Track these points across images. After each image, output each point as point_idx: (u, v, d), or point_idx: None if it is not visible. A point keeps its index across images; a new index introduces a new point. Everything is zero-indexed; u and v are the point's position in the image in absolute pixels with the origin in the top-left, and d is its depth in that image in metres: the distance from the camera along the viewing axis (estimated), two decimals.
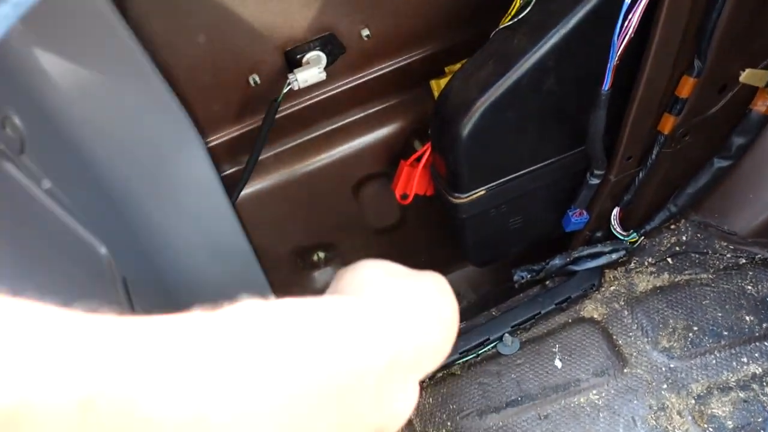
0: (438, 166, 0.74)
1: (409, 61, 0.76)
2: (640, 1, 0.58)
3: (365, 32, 0.72)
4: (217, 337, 0.24)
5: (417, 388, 0.36)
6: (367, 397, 0.28)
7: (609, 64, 0.62)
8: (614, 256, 0.83)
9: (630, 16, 0.58)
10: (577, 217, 0.81)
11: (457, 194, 0.74)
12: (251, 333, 0.25)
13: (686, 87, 0.69)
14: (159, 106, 0.65)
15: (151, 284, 0.73)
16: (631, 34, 0.59)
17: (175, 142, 0.68)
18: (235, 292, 0.78)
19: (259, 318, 0.26)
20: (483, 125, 0.66)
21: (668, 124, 0.72)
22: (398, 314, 0.33)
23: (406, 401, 0.33)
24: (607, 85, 0.64)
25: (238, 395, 0.23)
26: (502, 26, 0.66)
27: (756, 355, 0.75)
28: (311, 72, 0.69)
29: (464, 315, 0.90)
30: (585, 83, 0.67)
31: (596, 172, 0.75)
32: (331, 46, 0.71)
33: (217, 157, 0.74)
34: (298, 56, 0.70)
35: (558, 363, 0.79)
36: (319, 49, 0.70)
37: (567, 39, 0.63)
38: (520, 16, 0.64)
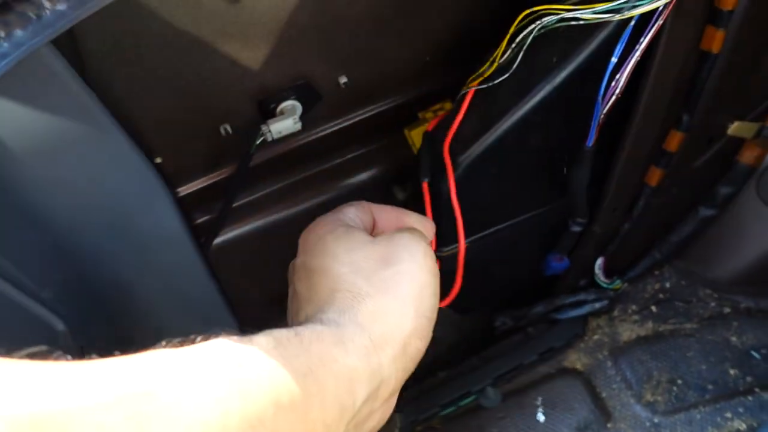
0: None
1: (386, 107, 0.73)
2: (629, 62, 0.55)
3: (343, 79, 0.68)
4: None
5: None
6: None
7: (593, 122, 0.60)
8: (597, 305, 0.81)
9: (617, 76, 0.56)
10: (557, 263, 0.79)
11: (440, 249, 0.71)
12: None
13: (674, 141, 0.67)
14: (121, 162, 0.61)
15: (117, 343, 0.69)
16: (618, 94, 0.57)
17: (141, 198, 0.64)
18: None
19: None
20: (465, 181, 0.64)
21: (655, 176, 0.70)
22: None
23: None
24: (591, 141, 0.61)
25: None
26: (476, 87, 0.62)
27: (740, 410, 0.73)
28: (285, 123, 0.65)
29: (445, 361, 0.87)
30: (571, 137, 0.65)
31: (578, 220, 0.73)
32: (307, 94, 0.68)
33: (189, 206, 0.71)
34: (272, 106, 0.66)
35: (541, 417, 0.77)
36: (294, 98, 0.67)
37: (553, 95, 0.60)
38: (501, 79, 0.61)
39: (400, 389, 0.38)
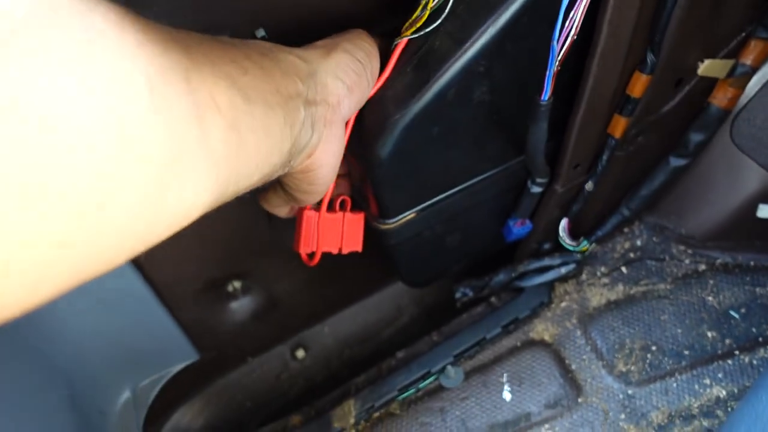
0: (361, 190, 0.63)
1: None
2: None
3: (260, 33, 0.59)
4: None
5: None
6: None
7: (548, 71, 0.52)
8: (564, 270, 0.74)
9: (572, 15, 0.48)
10: (518, 227, 0.72)
11: (383, 220, 0.63)
12: None
13: (638, 85, 0.59)
14: None
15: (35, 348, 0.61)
16: (573, 36, 0.49)
17: None
18: (132, 336, 0.64)
19: None
20: (404, 145, 0.55)
21: (619, 126, 0.63)
22: None
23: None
24: (546, 94, 0.54)
25: None
26: (409, 36, 0.54)
27: (719, 375, 0.68)
28: None
29: (403, 339, 0.81)
30: (523, 87, 0.57)
31: (538, 180, 0.66)
32: None
33: None
34: None
35: (507, 395, 0.71)
36: None
37: (498, 38, 0.52)
38: (436, 23, 0.53)
39: (345, 112, 0.48)
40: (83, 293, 0.63)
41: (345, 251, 0.65)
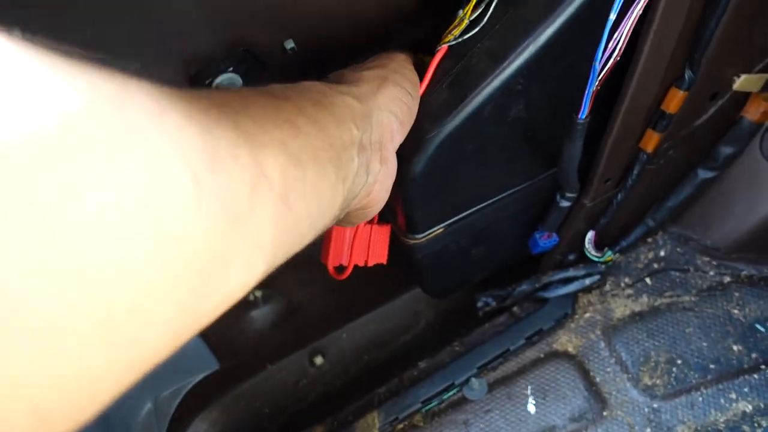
0: (389, 204, 0.62)
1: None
2: (630, 16, 0.46)
3: (289, 44, 0.58)
4: None
5: None
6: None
7: (588, 91, 0.51)
8: (588, 281, 0.74)
9: (616, 35, 0.47)
10: (545, 240, 0.71)
11: (411, 235, 0.62)
12: None
13: (675, 101, 0.58)
14: None
15: None
16: (616, 57, 0.48)
17: None
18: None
19: None
20: (437, 162, 0.55)
21: (652, 141, 0.62)
22: None
23: None
24: (584, 113, 0.53)
25: None
26: (449, 42, 0.53)
27: (745, 390, 0.68)
28: None
29: (426, 348, 0.80)
30: (559, 103, 0.56)
31: (568, 194, 0.65)
32: (247, 63, 0.57)
33: None
34: (207, 81, 0.56)
35: (531, 408, 0.71)
36: (232, 70, 0.57)
37: (539, 57, 0.51)
38: (475, 31, 0.52)
39: (397, 142, 0.48)
40: None
41: (371, 263, 0.64)
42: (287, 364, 0.87)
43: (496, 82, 0.51)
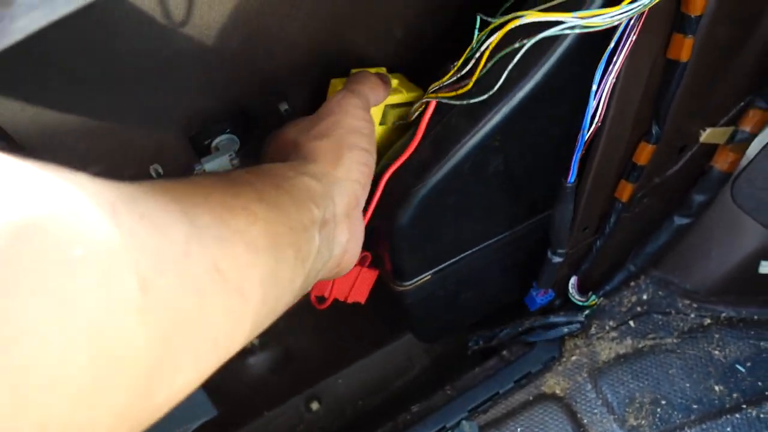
0: (377, 252, 0.66)
1: None
2: (605, 84, 0.50)
3: (284, 107, 0.62)
4: None
5: None
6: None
7: (575, 155, 0.55)
8: (566, 329, 0.76)
9: (594, 102, 0.51)
10: (541, 297, 0.74)
11: (399, 282, 0.66)
12: None
13: (644, 154, 0.62)
14: None
15: None
16: (598, 123, 0.52)
17: None
18: None
19: None
20: (422, 213, 0.58)
21: (626, 191, 0.66)
22: None
23: None
24: (573, 177, 0.56)
25: None
26: (437, 88, 0.56)
27: (728, 429, 0.70)
28: (221, 160, 0.59)
29: (418, 392, 0.82)
30: (534, 156, 0.60)
31: (559, 251, 0.68)
32: (244, 125, 0.62)
33: None
34: (205, 141, 0.60)
35: None
36: (230, 132, 0.61)
37: (513, 116, 0.55)
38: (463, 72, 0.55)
39: (362, 203, 0.49)
40: None
41: (350, 301, 0.67)
42: (284, 409, 0.88)
43: (474, 139, 0.55)
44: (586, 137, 0.52)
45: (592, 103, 0.50)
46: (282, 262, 0.35)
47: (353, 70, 0.58)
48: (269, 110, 0.62)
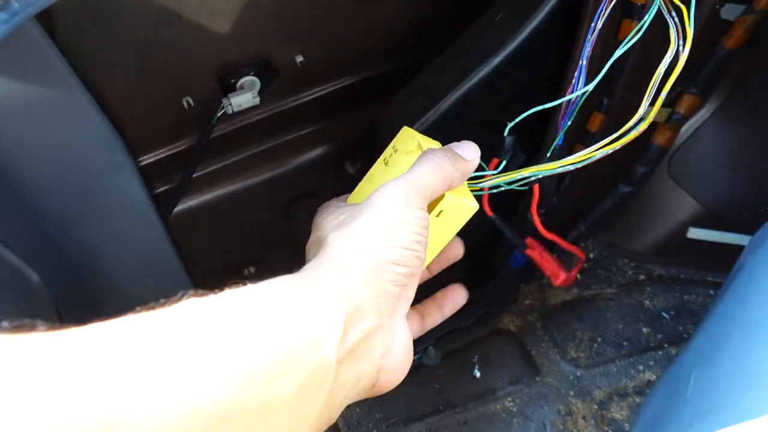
0: None
1: (340, 86, 0.78)
2: (583, 59, 0.62)
3: (299, 59, 0.73)
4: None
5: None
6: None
7: (565, 120, 0.66)
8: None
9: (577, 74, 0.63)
10: (522, 255, 0.86)
11: None
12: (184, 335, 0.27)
13: (596, 122, 0.75)
14: (89, 128, 0.65)
15: (83, 304, 0.72)
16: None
17: (106, 164, 0.68)
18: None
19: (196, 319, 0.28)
20: None
21: None
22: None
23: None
24: (561, 140, 0.68)
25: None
26: None
27: (651, 363, 0.83)
28: (245, 97, 0.70)
29: None
30: (508, 116, 0.72)
31: (541, 210, 0.80)
32: (266, 71, 0.72)
33: (151, 175, 0.74)
34: (232, 81, 0.71)
35: (477, 373, 0.84)
36: (253, 74, 0.72)
37: (490, 77, 0.67)
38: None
39: (397, 318, 0.38)
40: (131, 263, 0.75)
41: None
42: None
43: (457, 94, 0.67)
44: (575, 107, 0.64)
45: (584, 65, 0.61)
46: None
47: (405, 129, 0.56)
48: (287, 60, 0.73)
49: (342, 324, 0.34)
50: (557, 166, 0.57)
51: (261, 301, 0.32)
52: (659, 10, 0.65)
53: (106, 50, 0.63)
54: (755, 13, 0.72)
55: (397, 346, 0.39)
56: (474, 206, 0.49)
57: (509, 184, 0.59)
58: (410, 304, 0.40)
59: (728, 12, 0.69)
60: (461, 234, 0.52)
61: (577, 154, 0.58)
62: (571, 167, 0.58)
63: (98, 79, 0.64)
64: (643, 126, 0.53)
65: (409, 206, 0.40)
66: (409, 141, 0.52)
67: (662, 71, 0.55)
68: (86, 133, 0.64)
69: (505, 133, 0.63)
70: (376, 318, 0.36)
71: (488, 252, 0.87)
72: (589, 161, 0.57)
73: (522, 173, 0.59)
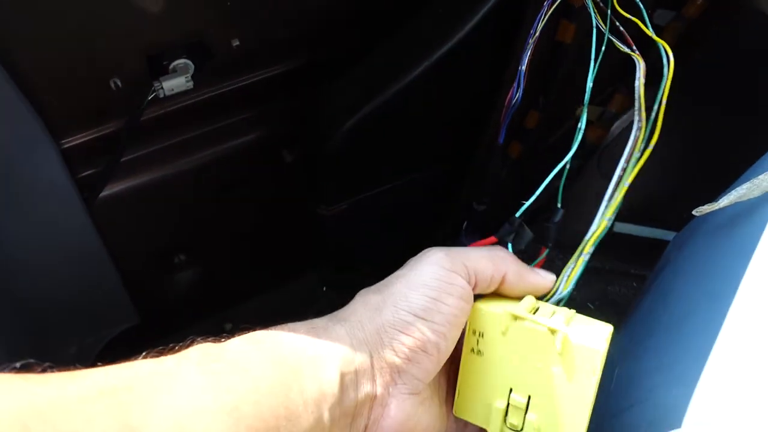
0: (308, 178, 0.76)
1: (276, 72, 0.76)
2: (525, 57, 0.63)
3: (235, 42, 0.71)
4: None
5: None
6: None
7: (505, 122, 0.66)
8: None
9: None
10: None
11: (322, 206, 0.76)
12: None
13: (532, 119, 0.76)
14: (4, 106, 0.60)
15: (3, 293, 0.68)
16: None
17: (24, 145, 0.64)
18: (88, 295, 0.74)
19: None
20: (348, 144, 0.69)
21: (516, 150, 0.79)
22: None
23: None
24: (503, 138, 0.68)
25: None
26: None
27: None
28: (178, 81, 0.67)
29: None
30: (447, 109, 0.73)
31: (484, 200, 0.81)
32: (199, 53, 0.70)
33: (75, 159, 0.70)
34: (164, 62, 0.68)
35: None
36: (186, 57, 0.69)
37: (430, 69, 0.67)
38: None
39: (396, 392, 0.36)
40: (53, 250, 0.71)
41: None
42: (201, 329, 0.96)
43: (398, 85, 0.67)
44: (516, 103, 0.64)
45: (524, 68, 0.61)
46: None
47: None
48: (222, 43, 0.70)
49: (338, 385, 0.33)
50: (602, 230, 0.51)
51: (269, 354, 0.33)
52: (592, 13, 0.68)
53: (27, 27, 0.59)
54: (683, 21, 0.75)
55: (387, 422, 0.36)
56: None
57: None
58: (425, 383, 0.37)
59: (660, 17, 0.72)
60: None
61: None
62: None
63: (13, 52, 0.59)
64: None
65: (440, 266, 0.37)
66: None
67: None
68: (1, 110, 0.60)
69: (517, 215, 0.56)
70: (369, 384, 0.35)
71: None
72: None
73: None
